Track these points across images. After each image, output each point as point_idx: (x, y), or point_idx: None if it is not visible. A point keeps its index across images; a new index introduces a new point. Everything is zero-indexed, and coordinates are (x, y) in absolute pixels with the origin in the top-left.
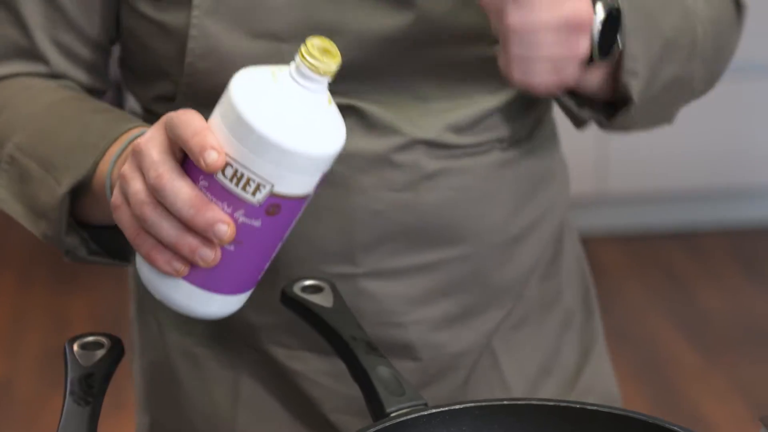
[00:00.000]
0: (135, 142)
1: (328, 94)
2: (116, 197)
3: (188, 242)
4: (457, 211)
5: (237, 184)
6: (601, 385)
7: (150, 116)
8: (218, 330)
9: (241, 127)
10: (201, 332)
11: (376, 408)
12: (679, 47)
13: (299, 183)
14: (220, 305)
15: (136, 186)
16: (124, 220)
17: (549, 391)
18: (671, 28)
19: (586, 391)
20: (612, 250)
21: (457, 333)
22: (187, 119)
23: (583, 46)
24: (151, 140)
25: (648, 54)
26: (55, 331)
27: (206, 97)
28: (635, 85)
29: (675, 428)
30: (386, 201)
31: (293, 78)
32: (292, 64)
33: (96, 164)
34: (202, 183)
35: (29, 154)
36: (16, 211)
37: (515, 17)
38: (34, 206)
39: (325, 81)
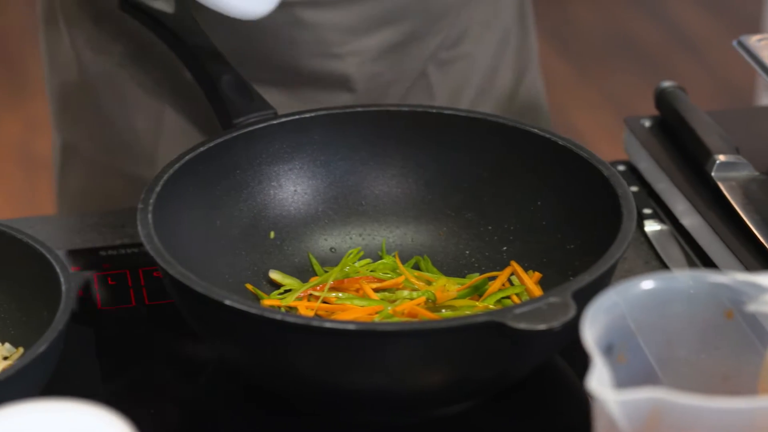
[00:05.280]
0: None
1: None
2: None
3: None
4: None
5: None
6: (536, 103)
7: None
8: (136, 49)
9: None
10: (119, 51)
11: (223, 118)
12: None
13: None
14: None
15: None
16: None
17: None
18: None
19: (522, 109)
20: None
21: (394, 61)
22: None
23: None
24: None
25: None
26: None
27: None
28: None
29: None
30: None
31: None
32: None
33: None
34: None
35: None
36: None
37: None
38: None
39: None
